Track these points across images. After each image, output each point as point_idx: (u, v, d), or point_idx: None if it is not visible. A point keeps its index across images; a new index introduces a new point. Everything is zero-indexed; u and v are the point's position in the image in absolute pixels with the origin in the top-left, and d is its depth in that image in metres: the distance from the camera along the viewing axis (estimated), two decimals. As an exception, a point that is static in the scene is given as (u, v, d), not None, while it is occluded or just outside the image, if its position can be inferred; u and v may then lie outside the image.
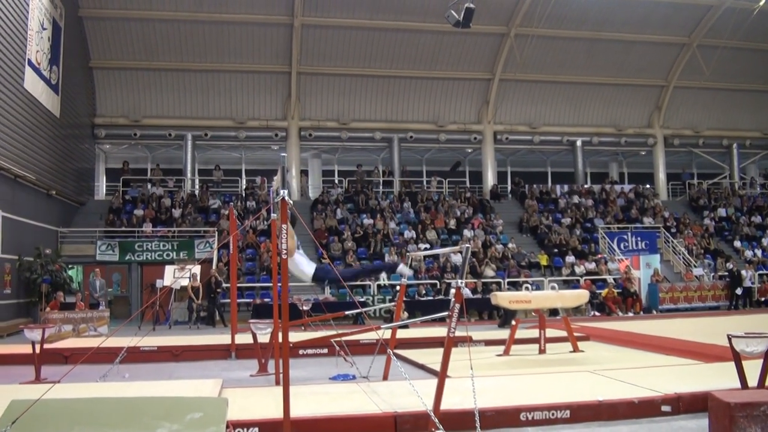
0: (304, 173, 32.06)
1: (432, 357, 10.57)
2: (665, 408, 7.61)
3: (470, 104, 31.78)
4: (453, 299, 6.57)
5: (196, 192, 29.11)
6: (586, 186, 32.99)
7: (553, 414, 7.38)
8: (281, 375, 6.94)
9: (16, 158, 19.67)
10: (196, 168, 31.11)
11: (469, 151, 33.70)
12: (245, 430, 6.76)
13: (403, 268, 9.48)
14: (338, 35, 28.76)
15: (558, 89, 32.17)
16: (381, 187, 31.21)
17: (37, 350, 10.67)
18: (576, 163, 33.55)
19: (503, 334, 14.02)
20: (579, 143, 33.13)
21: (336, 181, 32.33)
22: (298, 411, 6.73)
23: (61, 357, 12.26)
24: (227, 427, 6.38)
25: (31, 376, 10.46)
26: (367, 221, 27.26)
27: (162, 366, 12.17)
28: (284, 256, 6.85)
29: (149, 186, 28.50)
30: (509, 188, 33.96)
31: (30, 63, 20.41)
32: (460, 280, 6.59)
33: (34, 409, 5.95)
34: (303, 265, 8.98)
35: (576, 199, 31.27)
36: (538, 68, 30.80)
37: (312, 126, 30.23)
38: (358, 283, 22.97)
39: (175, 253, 23.82)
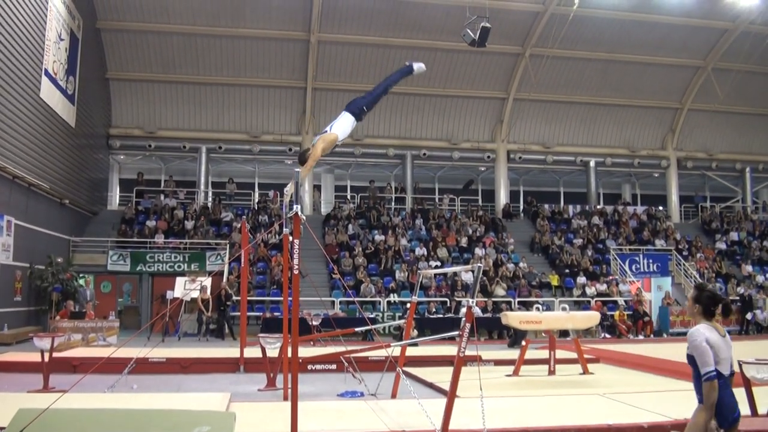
0: (316, 188, 32.11)
1: (441, 376, 10.54)
2: (675, 433, 7.56)
3: (484, 123, 31.80)
4: (464, 318, 6.55)
5: (209, 204, 29.20)
6: (598, 207, 32.89)
7: (561, 437, 7.35)
8: (290, 390, 6.92)
9: (31, 167, 19.78)
10: (210, 180, 31.22)
11: (482, 169, 33.67)
12: (252, 445, 6.75)
13: (419, 65, 9.76)
14: (354, 52, 28.86)
15: (572, 110, 32.16)
16: (393, 203, 31.20)
17: (46, 359, 10.69)
18: (589, 183, 33.48)
19: (513, 354, 13.97)
20: (592, 164, 33.07)
21: (348, 197, 32.34)
22: (305, 427, 6.71)
23: (69, 366, 12.29)
24: (234, 441, 6.36)
25: (39, 384, 10.48)
26: (379, 237, 27.25)
27: (170, 378, 12.16)
28: (296, 272, 6.85)
29: (162, 197, 28.59)
30: (521, 207, 33.90)
31: (47, 73, 20.56)
32: (471, 299, 6.57)
33: (42, 419, 5.96)
34: (345, 126, 9.03)
35: (588, 219, 31.16)
36: (552, 88, 30.81)
37: (325, 141, 30.20)
38: (369, 299, 22.92)
39: (186, 264, 23.86)
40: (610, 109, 32.41)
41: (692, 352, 4.85)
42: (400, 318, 20.83)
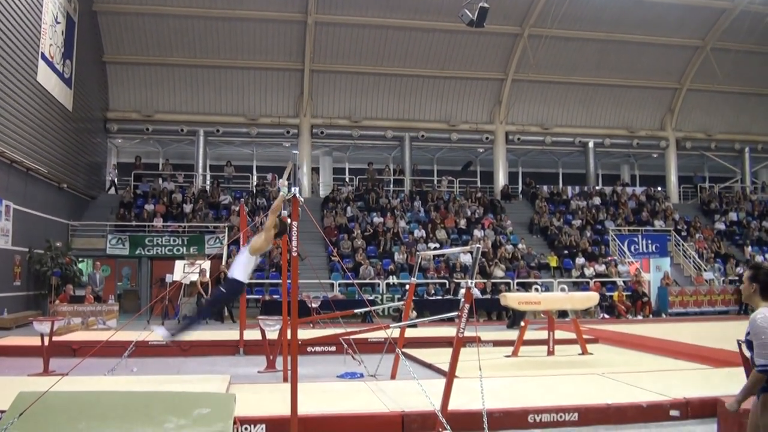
0: (315, 171, 32.06)
1: (440, 357, 10.57)
2: (674, 413, 7.60)
3: (482, 104, 31.72)
4: (463, 299, 6.55)
5: (207, 188, 29.17)
6: (597, 187, 32.88)
7: (561, 416, 7.38)
8: (289, 372, 6.94)
9: (29, 151, 19.75)
10: (208, 164, 31.21)
11: (481, 151, 33.63)
12: (252, 426, 6.78)
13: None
14: (351, 33, 28.75)
15: (571, 90, 32.08)
16: (392, 185, 31.18)
17: (46, 343, 10.72)
18: (588, 164, 33.45)
19: (512, 335, 14.01)
20: (591, 144, 33.03)
21: (347, 179, 32.31)
22: (305, 408, 6.73)
23: (69, 350, 12.33)
24: (234, 423, 6.39)
25: (39, 368, 10.51)
26: (378, 219, 27.25)
27: (170, 361, 12.21)
28: (294, 254, 6.86)
29: (160, 181, 28.54)
30: (520, 189, 33.89)
31: (43, 57, 20.47)
32: (470, 281, 6.57)
33: (43, 401, 5.98)
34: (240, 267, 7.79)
35: (587, 200, 31.17)
36: (551, 69, 30.70)
37: (324, 124, 30.22)
38: (368, 281, 22.97)
39: (185, 248, 23.88)
40: (608, 89, 32.32)
41: (754, 339, 4.50)
42: (399, 300, 20.89)
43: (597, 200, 31.30)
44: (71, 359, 10.58)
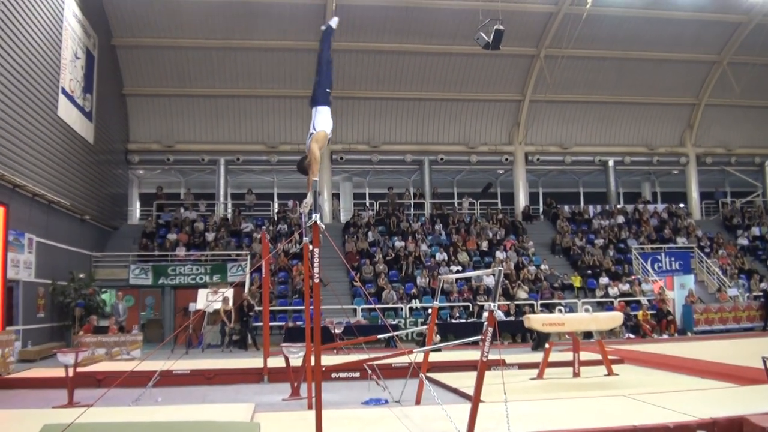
0: (335, 196, 32.13)
1: (465, 381, 10.52)
2: (700, 433, 7.50)
3: (501, 125, 31.74)
4: (486, 322, 6.53)
5: (229, 216, 29.32)
6: (618, 206, 32.73)
7: (588, 439, 7.31)
8: (314, 399, 6.93)
9: (51, 185, 19.96)
10: (229, 192, 31.35)
11: (501, 172, 33.61)
12: (277, 455, 6.75)
13: (333, 20, 9.43)
14: (369, 59, 28.93)
15: (589, 109, 32.05)
16: (412, 209, 31.19)
17: (71, 374, 10.75)
18: (608, 183, 33.33)
19: (537, 357, 13.90)
20: (611, 163, 32.93)
21: (367, 204, 32.36)
22: (330, 436, 6.70)
23: (94, 380, 12.36)
24: (259, 452, 6.38)
25: (64, 399, 10.54)
26: (399, 243, 27.22)
27: (195, 390, 12.21)
28: (317, 280, 6.87)
29: (182, 210, 28.71)
30: (541, 209, 33.80)
31: (64, 91, 20.74)
32: (493, 303, 6.55)
33: (68, 434, 5.99)
34: (326, 118, 8.76)
35: (609, 219, 31.01)
36: (568, 88, 30.71)
37: (343, 149, 30.32)
38: (390, 306, 22.92)
39: (208, 276, 23.99)
40: (626, 107, 32.26)
41: None
42: (422, 324, 20.81)
43: (619, 219, 31.13)
44: (96, 390, 10.62)
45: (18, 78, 17.74)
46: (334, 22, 9.10)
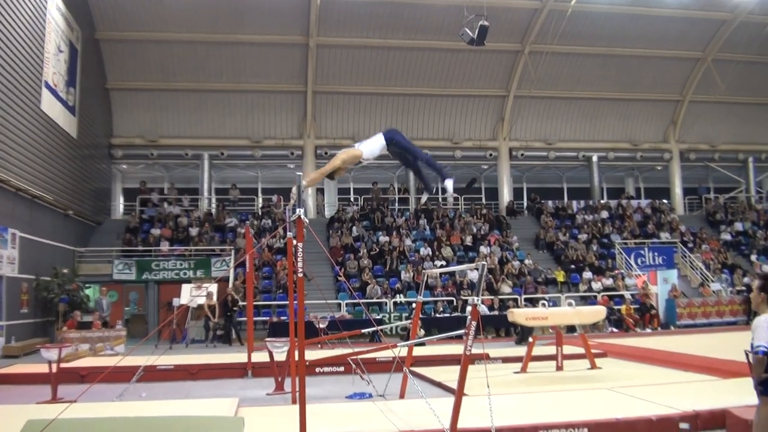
0: (319, 191, 32.10)
1: (449, 374, 10.55)
2: (683, 426, 7.56)
3: (485, 121, 31.80)
4: (469, 316, 6.55)
5: (213, 211, 29.23)
6: (602, 201, 32.88)
7: (570, 432, 7.35)
8: (298, 394, 6.93)
9: (34, 179, 19.82)
10: (213, 187, 31.24)
11: (485, 167, 33.66)
12: (262, 449, 6.76)
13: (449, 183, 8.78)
14: (353, 55, 28.89)
15: (573, 105, 32.15)
16: (396, 204, 31.22)
17: (54, 370, 10.72)
18: (592, 178, 33.48)
19: (520, 351, 13.97)
20: (595, 159, 33.06)
21: (352, 199, 32.35)
22: (314, 430, 6.71)
23: (77, 376, 12.31)
24: (244, 446, 6.38)
25: (47, 395, 10.51)
26: (383, 238, 27.25)
27: (179, 385, 12.19)
28: (300, 275, 6.86)
29: (166, 205, 28.60)
30: (525, 204, 33.89)
31: (47, 85, 20.60)
32: (476, 297, 6.57)
33: (51, 429, 5.97)
34: (374, 147, 8.54)
35: (593, 214, 31.14)
36: (552, 84, 30.80)
37: (328, 144, 30.28)
38: (375, 300, 22.95)
39: (192, 271, 23.93)
40: (611, 103, 32.41)
41: (754, 333, 4.87)
42: (406, 318, 20.85)
43: (603, 214, 31.26)
44: (80, 385, 10.57)
45: (0, 71, 17.60)
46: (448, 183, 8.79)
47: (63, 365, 11.28)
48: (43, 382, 11.33)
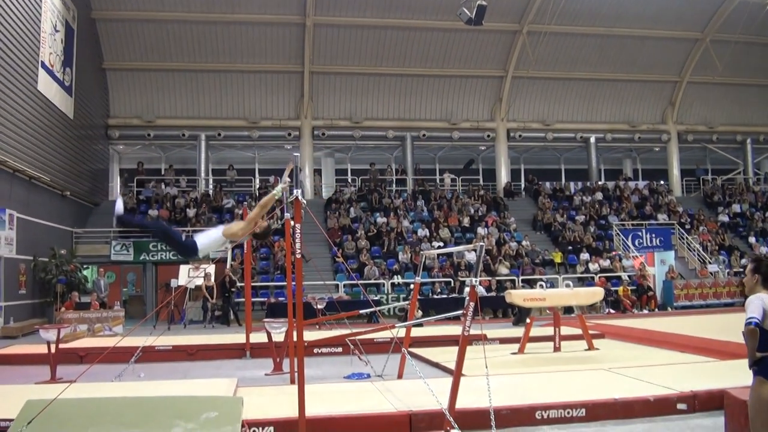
0: (317, 172, 32.07)
1: (447, 355, 10.58)
2: (681, 406, 7.59)
3: (483, 102, 31.72)
4: (467, 297, 6.55)
5: (210, 192, 29.19)
6: (600, 183, 32.86)
7: (568, 412, 7.37)
8: (296, 374, 6.95)
9: (31, 160, 19.79)
10: (210, 168, 31.17)
11: (483, 148, 33.60)
12: (260, 429, 6.78)
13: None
14: (350, 34, 28.76)
15: (571, 86, 32.06)
16: (394, 185, 31.19)
17: (53, 350, 10.73)
18: (590, 159, 33.44)
19: (518, 332, 14.01)
20: (592, 140, 33.01)
21: (349, 180, 32.31)
22: (313, 410, 6.73)
23: (76, 357, 12.34)
24: (242, 426, 6.40)
25: (46, 375, 10.53)
26: (381, 220, 27.24)
27: (177, 365, 12.22)
28: (298, 256, 6.86)
29: (163, 186, 28.55)
30: (523, 186, 33.86)
31: (43, 65, 20.51)
32: (474, 279, 6.57)
33: (51, 409, 5.98)
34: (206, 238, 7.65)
35: (590, 196, 31.13)
36: (551, 65, 30.70)
37: (325, 125, 30.23)
38: (372, 281, 22.98)
39: (189, 252, 23.88)
40: (609, 84, 32.32)
41: (746, 309, 4.94)
42: (404, 299, 20.89)
43: (600, 195, 31.25)
44: (78, 366, 10.58)
45: (-3, 51, 17.54)
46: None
47: (62, 346, 11.30)
48: (42, 362, 11.33)
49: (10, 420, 6.45)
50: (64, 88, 22.55)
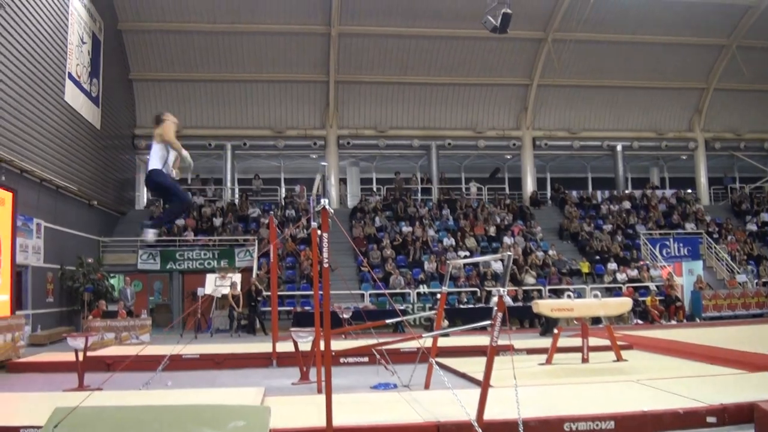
0: (342, 182, 32.11)
1: (473, 366, 10.50)
2: (710, 419, 7.46)
3: (508, 110, 31.63)
4: (495, 307, 6.50)
5: (236, 201, 29.32)
6: (626, 191, 32.63)
7: (597, 425, 7.25)
8: (323, 383, 6.93)
9: (58, 170, 20.00)
10: (236, 177, 31.34)
11: (508, 157, 33.49)
12: (289, 438, 6.76)
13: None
14: (375, 43, 28.82)
15: (597, 93, 31.87)
16: (419, 194, 31.18)
17: (80, 358, 10.79)
18: (616, 168, 33.22)
19: (545, 342, 13.88)
20: (619, 148, 32.79)
21: (374, 189, 32.33)
22: (340, 420, 6.70)
23: (104, 365, 12.38)
24: (270, 435, 6.38)
25: (74, 383, 10.57)
26: (406, 229, 27.21)
27: (204, 374, 12.24)
28: (326, 265, 6.84)
29: (190, 195, 28.63)
30: (549, 194, 33.70)
31: (70, 76, 20.74)
32: (502, 288, 6.52)
33: (78, 417, 6.00)
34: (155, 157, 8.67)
35: (617, 205, 30.89)
36: (576, 73, 30.57)
37: (350, 134, 30.30)
38: (398, 291, 22.93)
39: (216, 261, 24.06)
40: (635, 91, 32.07)
41: None
42: (430, 309, 20.81)
43: (627, 204, 31.03)
44: (106, 374, 10.64)
45: (25, 63, 17.73)
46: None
47: (89, 353, 11.36)
48: (69, 370, 11.39)
49: (39, 427, 6.50)
50: (91, 98, 22.78)
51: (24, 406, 8.58)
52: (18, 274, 16.55)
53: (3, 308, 13.82)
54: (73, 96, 21.06)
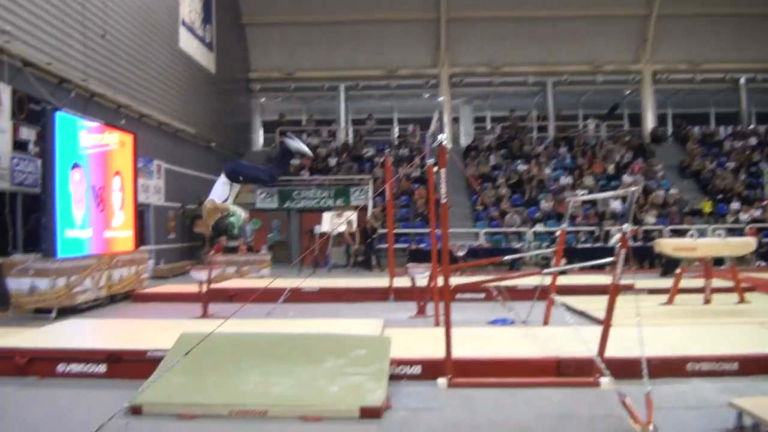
0: (455, 120, 31.89)
1: (592, 304, 10.37)
2: (838, 363, 7.17)
3: (627, 43, 30.33)
4: (618, 245, 6.38)
5: (350, 141, 29.59)
6: (751, 127, 31.13)
7: (720, 366, 7.08)
8: (441, 317, 6.99)
9: (176, 114, 20.88)
10: (350, 118, 31.59)
11: (627, 92, 32.35)
12: (409, 367, 6.88)
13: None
14: (488, -23, 28.20)
15: (721, 22, 30.06)
16: (535, 132, 30.68)
17: (204, 289, 11.22)
18: (740, 102, 31.69)
19: (666, 283, 13.56)
20: (742, 81, 31.20)
21: (488, 127, 31.97)
22: (459, 351, 6.75)
23: (226, 296, 12.86)
24: (390, 363, 6.53)
25: (198, 312, 11.04)
26: (522, 167, 26.85)
27: (324, 306, 12.56)
28: (443, 200, 6.85)
29: (305, 136, 29.14)
30: (670, 131, 32.49)
31: (184, 23, 21.42)
32: (626, 225, 6.38)
33: (206, 341, 6.26)
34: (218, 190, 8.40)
35: (741, 141, 29.56)
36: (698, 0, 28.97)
37: (463, 72, 29.94)
38: (514, 229, 22.76)
39: (332, 200, 24.50)
40: (760, 19, 29.82)
41: None
42: (546, 247, 20.58)
43: (752, 140, 29.63)
44: (227, 305, 11.01)
45: (140, 12, 18.39)
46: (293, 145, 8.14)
47: (212, 286, 11.78)
48: (191, 301, 11.97)
49: (166, 350, 6.83)
50: (205, 44, 23.38)
51: (151, 332, 9.07)
52: (140, 212, 17.27)
53: (127, 243, 14.53)
54: (187, 42, 21.72)
